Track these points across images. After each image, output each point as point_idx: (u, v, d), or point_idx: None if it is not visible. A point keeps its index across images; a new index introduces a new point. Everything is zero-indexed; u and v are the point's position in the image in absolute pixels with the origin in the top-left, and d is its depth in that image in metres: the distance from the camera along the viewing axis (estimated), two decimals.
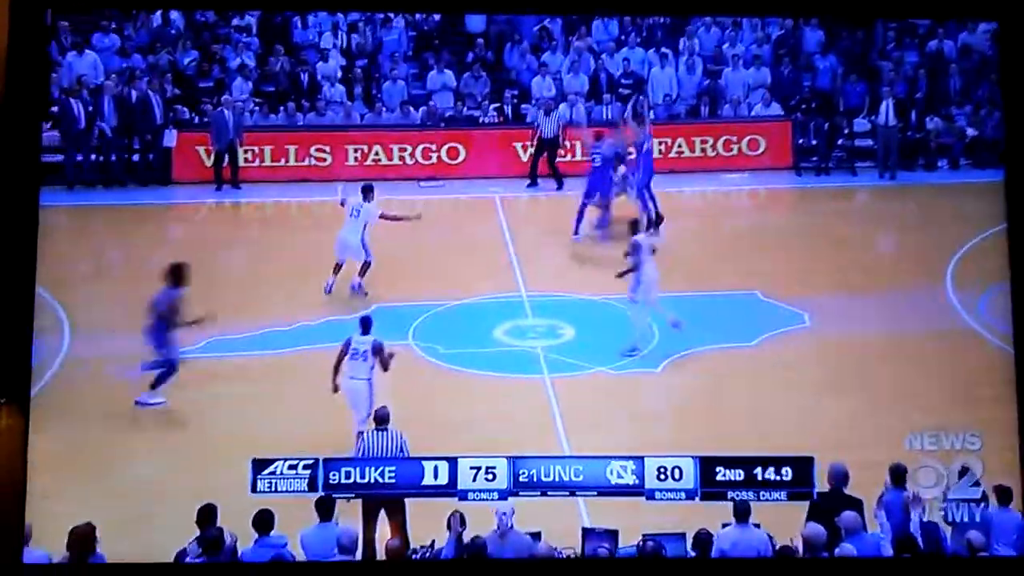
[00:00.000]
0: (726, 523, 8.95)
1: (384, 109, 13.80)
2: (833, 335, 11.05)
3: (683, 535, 9.00)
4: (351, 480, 9.41)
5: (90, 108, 12.92)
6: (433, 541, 8.99)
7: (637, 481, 9.54)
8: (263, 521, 8.65)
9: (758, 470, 9.58)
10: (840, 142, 13.88)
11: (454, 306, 11.54)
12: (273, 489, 9.29)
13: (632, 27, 14.51)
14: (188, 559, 8.59)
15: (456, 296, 11.55)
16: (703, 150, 13.81)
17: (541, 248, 12.52)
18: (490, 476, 9.50)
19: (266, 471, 9.37)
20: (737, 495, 9.39)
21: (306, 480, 9.36)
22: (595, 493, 9.51)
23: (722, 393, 10.51)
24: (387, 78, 14.00)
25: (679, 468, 9.56)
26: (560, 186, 13.45)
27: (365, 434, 9.67)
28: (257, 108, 13.64)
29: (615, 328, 11.22)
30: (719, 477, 9.55)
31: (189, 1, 12.87)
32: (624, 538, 9.10)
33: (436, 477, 9.46)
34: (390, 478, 9.46)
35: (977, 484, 9.53)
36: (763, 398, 10.43)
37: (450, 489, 9.43)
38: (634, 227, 11.48)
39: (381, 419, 9.66)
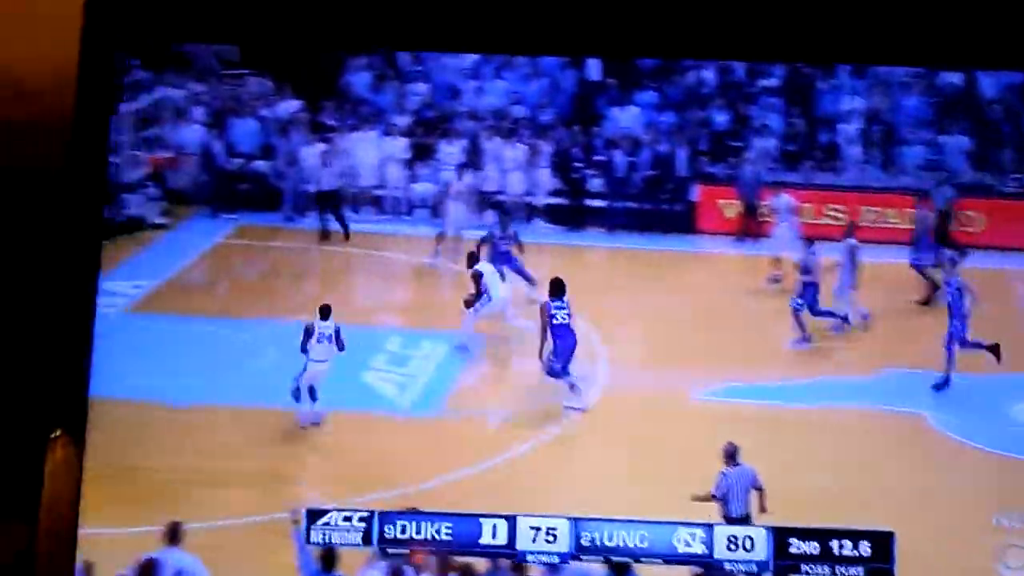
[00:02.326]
0: None
1: (900, 172, 14.10)
2: None
3: None
4: (407, 535, 9.28)
5: (629, 159, 14.33)
6: None
7: (706, 550, 9.21)
8: None
9: (833, 543, 9.15)
10: None
11: (969, 378, 11.50)
12: (327, 540, 9.24)
13: None
14: None
15: (973, 369, 11.49)
16: None
17: None
18: (551, 538, 9.24)
19: (320, 521, 9.34)
20: (811, 569, 9.03)
21: (361, 532, 9.30)
22: (660, 561, 9.17)
23: None
24: (904, 142, 14.25)
25: (750, 538, 9.20)
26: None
27: (726, 471, 9.74)
28: (778, 165, 14.40)
29: None
30: (792, 549, 9.15)
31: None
32: None
33: (495, 536, 9.26)
34: (447, 534, 9.28)
35: None
36: None
37: (509, 549, 9.20)
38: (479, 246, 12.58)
39: (730, 455, 9.82)
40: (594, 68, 14.44)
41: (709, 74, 14.57)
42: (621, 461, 10.60)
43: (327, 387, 11.21)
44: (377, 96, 14.48)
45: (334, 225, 13.62)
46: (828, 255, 12.63)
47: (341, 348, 11.17)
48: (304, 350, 11.11)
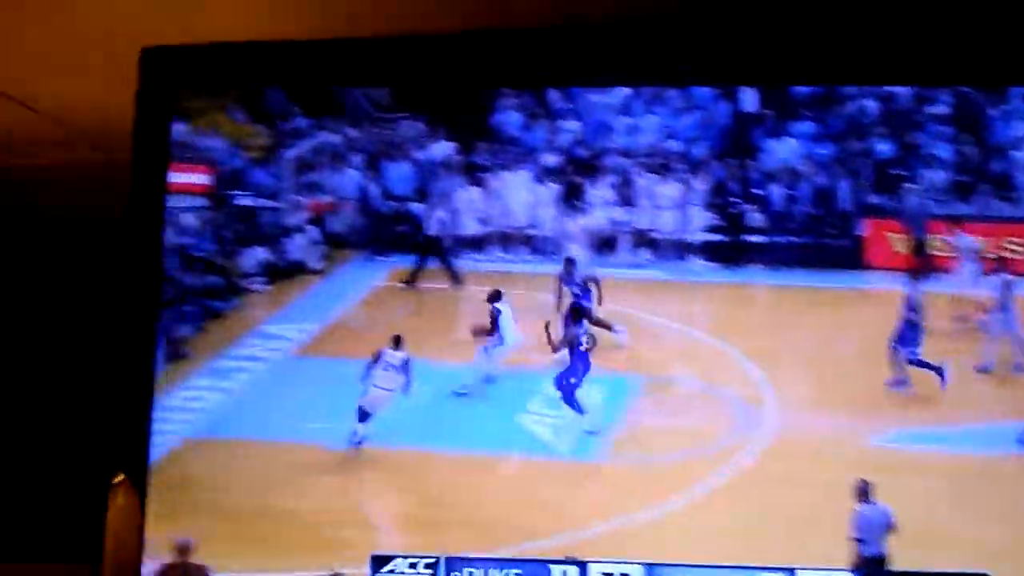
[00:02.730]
0: None
1: None
2: None
3: None
4: None
5: (788, 191, 13.84)
6: None
7: None
8: None
9: None
10: None
11: None
12: None
13: None
14: None
15: None
16: None
17: None
18: None
19: (385, 568, 9.18)
20: None
21: None
22: None
23: None
24: None
25: None
26: None
27: (860, 509, 9.53)
28: (949, 197, 13.78)
29: None
30: None
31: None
32: None
33: None
34: None
35: None
36: None
37: None
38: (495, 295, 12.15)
39: (863, 492, 9.59)
40: (749, 99, 14.14)
41: (871, 103, 14.06)
42: (793, 509, 10.13)
43: (484, 432, 11.16)
44: (527, 135, 14.44)
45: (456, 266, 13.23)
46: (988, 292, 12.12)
47: (408, 381, 11.19)
48: (368, 375, 11.13)
